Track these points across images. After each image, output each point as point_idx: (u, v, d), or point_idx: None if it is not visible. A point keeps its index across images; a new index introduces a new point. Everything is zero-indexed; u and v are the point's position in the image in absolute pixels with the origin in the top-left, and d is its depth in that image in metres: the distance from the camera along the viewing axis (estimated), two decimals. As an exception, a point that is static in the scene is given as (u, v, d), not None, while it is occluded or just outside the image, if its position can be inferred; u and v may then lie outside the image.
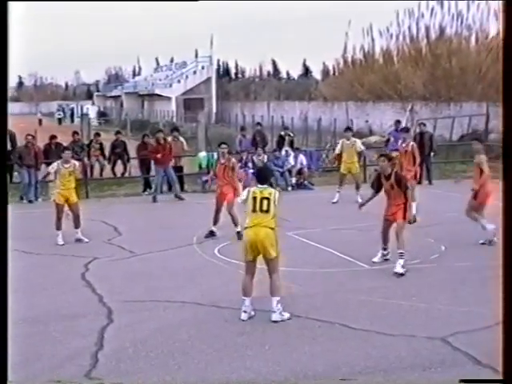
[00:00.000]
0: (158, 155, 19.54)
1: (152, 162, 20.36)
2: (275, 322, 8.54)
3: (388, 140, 25.01)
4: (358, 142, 19.31)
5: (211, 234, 13.96)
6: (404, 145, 16.54)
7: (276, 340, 8.02)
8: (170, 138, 20.95)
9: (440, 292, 9.92)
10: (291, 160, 22.16)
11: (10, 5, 5.66)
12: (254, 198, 8.76)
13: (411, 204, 11.42)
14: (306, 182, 21.97)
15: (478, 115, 32.70)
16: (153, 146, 20.08)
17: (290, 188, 21.39)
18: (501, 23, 5.29)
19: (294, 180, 21.83)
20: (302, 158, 22.50)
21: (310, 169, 23.05)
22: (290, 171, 21.83)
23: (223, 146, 14.61)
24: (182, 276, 11.12)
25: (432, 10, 42.61)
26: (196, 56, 71.71)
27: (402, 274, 10.64)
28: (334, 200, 18.19)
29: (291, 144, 24.12)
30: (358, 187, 18.13)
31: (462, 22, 41.43)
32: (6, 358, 5.81)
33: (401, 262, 10.74)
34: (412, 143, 16.77)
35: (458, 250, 12.47)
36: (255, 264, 8.82)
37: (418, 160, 16.45)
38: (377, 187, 11.45)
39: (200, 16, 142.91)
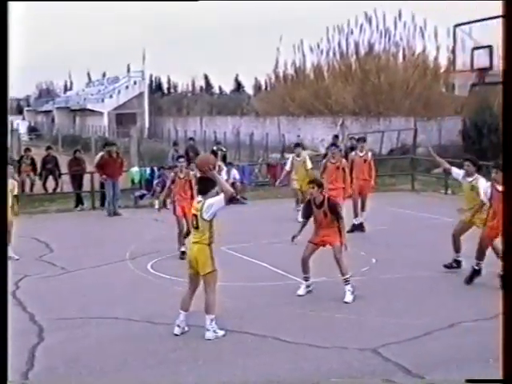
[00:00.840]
0: (109, 168, 19.52)
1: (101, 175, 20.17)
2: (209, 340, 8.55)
3: (326, 154, 25.16)
4: (308, 158, 18.29)
5: (183, 254, 12.93)
6: (361, 154, 16.38)
7: (209, 355, 8.04)
8: (102, 153, 20.80)
9: (371, 304, 10.09)
10: (224, 175, 22.19)
11: (10, 5, 5.59)
12: (192, 214, 8.83)
13: (344, 227, 10.81)
14: (238, 196, 22.04)
15: (407, 130, 33.42)
16: (105, 159, 19.88)
17: (222, 202, 21.40)
18: (501, 24, 5.44)
19: (226, 195, 21.84)
20: (234, 172, 22.61)
21: (242, 183, 23.16)
22: (222, 186, 21.85)
23: (181, 159, 14.06)
24: (114, 292, 11.04)
25: (361, 26, 43.37)
26: (128, 71, 71.30)
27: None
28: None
29: (224, 159, 24.23)
30: (298, 202, 17.73)
31: (389, 39, 42.29)
32: (6, 358, 5.75)
33: (349, 288, 10.30)
34: (370, 153, 16.81)
35: (388, 263, 12.69)
36: (197, 279, 8.80)
37: (373, 170, 16.43)
38: (307, 215, 10.73)
39: (132, 30, 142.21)
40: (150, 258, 13.30)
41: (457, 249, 11.92)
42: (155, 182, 21.61)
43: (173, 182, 13.91)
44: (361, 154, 16.31)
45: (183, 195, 13.63)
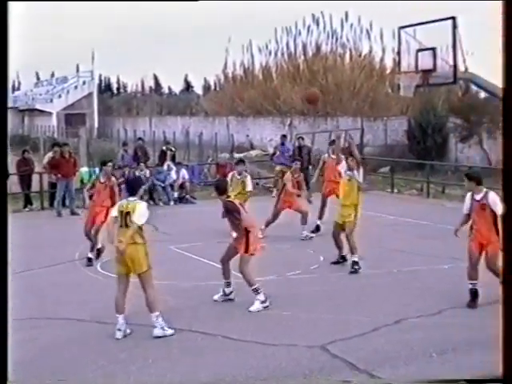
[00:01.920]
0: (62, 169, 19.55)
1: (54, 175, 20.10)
2: (158, 337, 8.59)
3: (274, 154, 25.33)
4: (249, 179, 15.98)
5: (90, 260, 13.19)
6: (334, 156, 16.16)
7: (159, 354, 8.09)
8: (50, 153, 20.73)
9: (319, 301, 10.25)
10: (173, 174, 22.27)
11: (10, 5, 5.55)
12: (121, 213, 8.72)
13: (241, 228, 10.10)
14: (188, 196, 22.12)
15: (353, 129, 33.76)
16: (57, 159, 19.84)
17: (172, 202, 21.54)
18: (501, 24, 5.57)
19: (176, 194, 21.95)
20: (183, 172, 22.65)
21: (191, 183, 23.22)
22: (172, 185, 21.94)
23: (109, 164, 13.66)
24: (64, 292, 11.00)
25: (308, 27, 43.71)
26: (77, 71, 70.57)
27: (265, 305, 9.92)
28: None
29: (173, 158, 24.21)
30: None
31: (336, 40, 42.73)
32: (6, 358, 5.74)
33: (260, 297, 9.86)
34: (342, 156, 16.88)
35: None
36: (128, 279, 8.82)
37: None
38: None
39: (82, 30, 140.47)
40: (100, 258, 13.26)
41: (339, 247, 12.56)
42: (104, 182, 21.50)
43: (93, 185, 13.61)
44: (333, 157, 16.39)
45: (100, 201, 13.22)
